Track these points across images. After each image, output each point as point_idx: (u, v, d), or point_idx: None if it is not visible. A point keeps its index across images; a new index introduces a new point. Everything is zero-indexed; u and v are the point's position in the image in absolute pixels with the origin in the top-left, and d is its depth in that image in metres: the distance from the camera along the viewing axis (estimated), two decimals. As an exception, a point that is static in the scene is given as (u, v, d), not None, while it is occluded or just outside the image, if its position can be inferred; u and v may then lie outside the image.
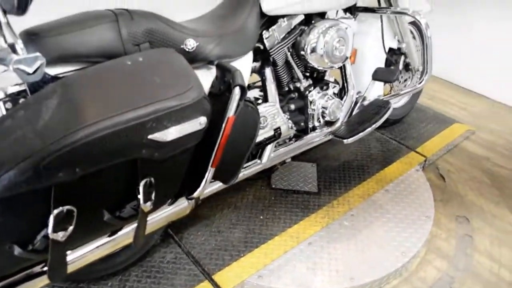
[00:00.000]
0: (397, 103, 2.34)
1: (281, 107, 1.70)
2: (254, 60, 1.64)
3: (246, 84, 1.47)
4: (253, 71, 1.64)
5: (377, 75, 1.85)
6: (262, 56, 1.61)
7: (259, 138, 1.44)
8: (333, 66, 1.69)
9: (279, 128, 1.49)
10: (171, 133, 0.99)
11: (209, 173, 1.20)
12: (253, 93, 1.70)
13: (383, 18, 2.03)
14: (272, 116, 1.46)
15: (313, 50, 1.60)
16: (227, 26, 1.40)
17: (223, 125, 1.16)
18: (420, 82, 1.96)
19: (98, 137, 0.87)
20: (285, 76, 1.70)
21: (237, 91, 1.16)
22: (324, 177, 2.00)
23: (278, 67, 1.66)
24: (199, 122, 1.04)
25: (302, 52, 1.61)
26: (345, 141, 1.71)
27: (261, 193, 1.89)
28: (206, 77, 1.30)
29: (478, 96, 3.01)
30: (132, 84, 1.00)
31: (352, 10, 1.86)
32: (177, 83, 1.04)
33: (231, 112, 1.16)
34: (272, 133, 1.47)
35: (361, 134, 1.73)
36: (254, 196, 1.86)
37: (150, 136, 0.95)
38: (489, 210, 1.97)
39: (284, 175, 1.98)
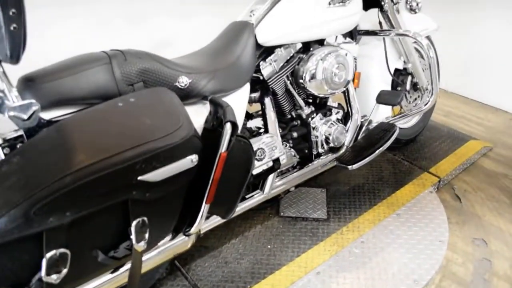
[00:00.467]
0: (407, 123, 2.30)
1: (284, 135, 1.71)
2: (254, 90, 1.66)
3: (243, 117, 1.48)
4: (254, 101, 1.65)
5: (381, 98, 1.83)
6: (262, 86, 1.63)
7: (257, 170, 1.44)
8: (333, 93, 1.69)
9: (278, 159, 1.48)
10: (161, 173, 1.00)
11: (204, 209, 1.21)
12: (255, 123, 1.70)
13: (386, 40, 2.02)
14: (270, 147, 1.46)
15: (312, 78, 1.61)
16: (221, 61, 1.43)
17: (216, 162, 1.17)
18: (426, 104, 1.92)
19: (87, 182, 0.89)
20: (286, 104, 1.71)
21: (228, 127, 1.17)
22: (334, 203, 1.97)
23: (278, 96, 1.66)
24: (191, 160, 1.05)
25: (301, 80, 1.61)
26: (349, 167, 1.68)
27: (269, 221, 1.87)
28: (200, 113, 1.31)
29: (495, 110, 2.93)
30: (122, 126, 1.03)
31: (353, 34, 1.86)
32: (167, 122, 1.06)
33: (223, 148, 1.17)
34: (271, 164, 1.47)
35: (365, 160, 1.70)
36: (262, 225, 1.85)
37: (140, 178, 0.96)
38: (508, 231, 1.89)
39: (293, 202, 1.96)
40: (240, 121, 1.47)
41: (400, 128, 2.23)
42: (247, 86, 1.50)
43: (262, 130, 1.65)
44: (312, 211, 1.90)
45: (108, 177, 0.91)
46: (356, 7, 1.63)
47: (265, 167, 1.46)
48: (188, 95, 1.32)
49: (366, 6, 1.97)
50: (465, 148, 2.41)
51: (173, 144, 1.01)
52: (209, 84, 1.35)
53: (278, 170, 1.61)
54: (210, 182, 1.17)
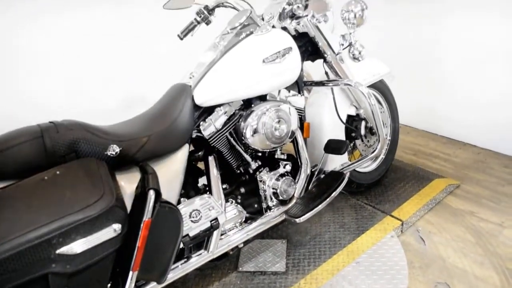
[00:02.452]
0: (367, 167, 2.31)
1: (232, 191, 1.72)
2: (198, 149, 1.69)
3: (181, 179, 1.50)
4: (198, 159, 1.68)
5: (328, 148, 1.86)
6: (205, 145, 1.65)
7: (194, 232, 1.44)
8: (277, 147, 1.71)
9: (215, 219, 1.49)
10: (80, 246, 1.01)
11: (132, 276, 1.20)
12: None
13: (335, 89, 2.06)
14: (206, 208, 1.47)
15: (253, 134, 1.63)
16: (156, 125, 1.46)
17: (140, 229, 1.17)
18: (374, 151, 1.94)
19: (1, 259, 0.90)
20: (233, 160, 1.73)
21: (151, 194, 1.19)
22: (294, 254, 1.95)
23: (223, 153, 1.69)
24: (113, 229, 1.07)
25: (243, 137, 1.64)
26: (297, 220, 1.68)
27: (227, 277, 1.85)
28: (132, 180, 1.33)
29: (463, 145, 2.95)
30: (43, 200, 1.06)
31: (299, 86, 1.91)
32: (88, 194, 1.08)
33: (146, 215, 1.18)
34: (208, 225, 1.47)
35: (313, 212, 1.70)
36: (220, 282, 1.83)
37: (58, 251, 0.97)
38: (473, 272, 1.86)
39: (253, 255, 1.95)
40: (177, 183, 1.48)
41: (360, 173, 2.25)
42: (186, 148, 1.53)
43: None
44: (271, 264, 1.88)
45: (24, 254, 0.94)
46: (293, 62, 1.68)
47: (201, 228, 1.46)
48: (120, 163, 1.35)
49: (313, 58, 2.03)
50: (429, 187, 2.41)
51: (92, 216, 1.03)
52: (142, 150, 1.38)
53: (224, 228, 1.61)
54: (135, 250, 1.17)
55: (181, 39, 2.07)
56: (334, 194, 1.77)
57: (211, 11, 2.02)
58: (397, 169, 2.61)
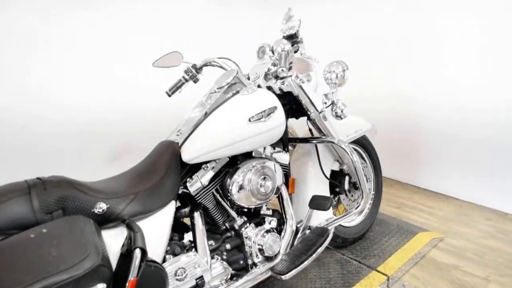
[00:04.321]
0: (352, 221, 2.34)
1: (218, 247, 1.72)
2: (184, 205, 1.70)
3: (167, 235, 1.50)
4: (185, 215, 1.69)
5: (313, 204, 1.89)
6: (191, 201, 1.67)
7: (179, 290, 1.43)
8: (261, 203, 1.74)
9: (201, 277, 1.48)
10: (65, 306, 1.00)
11: None
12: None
13: (319, 145, 2.13)
14: (192, 266, 1.46)
15: (238, 190, 1.66)
16: (143, 182, 1.48)
17: (126, 289, 1.17)
18: (357, 207, 1.97)
19: None
20: (219, 216, 1.74)
21: (137, 253, 1.19)
22: (280, 311, 1.93)
23: (209, 209, 1.70)
24: None
25: (228, 194, 1.66)
26: (283, 277, 1.68)
27: (212, 338, 1.80)
28: (118, 238, 1.34)
29: (446, 198, 3.01)
30: (28, 259, 1.05)
31: (284, 143, 1.96)
32: (73, 253, 1.08)
33: (132, 275, 1.18)
34: (193, 283, 1.47)
35: (299, 268, 1.70)
36: None
37: None
38: (459, 329, 1.85)
39: (238, 314, 1.91)
40: (163, 240, 1.49)
41: (345, 227, 2.27)
42: (172, 205, 1.54)
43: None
44: (257, 322, 1.85)
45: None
46: (278, 120, 1.74)
47: (187, 286, 1.45)
48: (106, 220, 1.35)
49: (297, 115, 2.11)
50: (414, 241, 2.43)
51: (77, 276, 1.03)
52: (128, 207, 1.39)
53: (209, 286, 1.59)
54: (120, 309, 1.16)
55: (169, 96, 2.14)
56: (320, 250, 1.78)
57: (199, 69, 2.11)
58: (382, 222, 2.64)
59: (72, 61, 2.74)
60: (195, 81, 2.13)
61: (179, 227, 1.71)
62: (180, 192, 1.66)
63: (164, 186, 1.52)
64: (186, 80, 2.11)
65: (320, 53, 2.22)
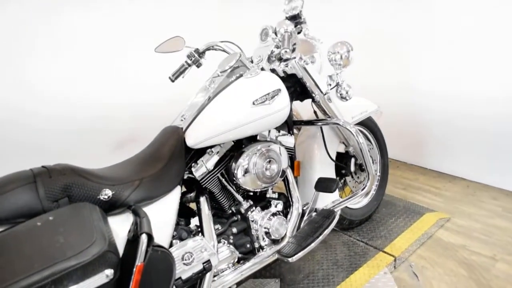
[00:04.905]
0: (358, 203, 2.33)
1: (224, 231, 1.72)
2: (190, 190, 1.70)
3: (173, 221, 1.50)
4: (190, 200, 1.69)
5: (318, 186, 1.88)
6: (197, 186, 1.67)
7: (187, 274, 1.44)
8: (268, 186, 1.74)
9: (208, 261, 1.49)
10: (73, 292, 1.01)
11: (123, 323, 1.19)
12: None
13: (324, 128, 2.11)
14: (199, 250, 1.46)
15: (244, 174, 1.66)
16: (148, 168, 1.48)
17: (133, 274, 1.17)
18: (363, 188, 1.96)
19: None
20: (225, 201, 1.74)
21: (143, 238, 1.19)
22: (287, 293, 1.94)
23: (215, 194, 1.70)
24: (106, 275, 1.07)
25: (234, 178, 1.66)
26: (290, 259, 1.68)
27: (220, 320, 1.82)
28: (125, 224, 1.34)
29: (453, 179, 2.99)
30: (35, 246, 1.06)
31: (289, 126, 1.95)
32: (80, 240, 1.09)
33: (139, 260, 1.18)
34: (200, 267, 1.47)
35: (305, 250, 1.70)
36: (213, 325, 1.80)
37: None
38: (466, 308, 1.86)
39: (245, 296, 1.93)
40: (169, 225, 1.49)
41: (351, 209, 2.27)
42: (177, 190, 1.54)
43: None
44: (264, 305, 1.86)
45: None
46: (282, 103, 1.72)
47: (194, 270, 1.46)
48: (112, 206, 1.36)
49: (301, 98, 2.09)
50: (421, 222, 2.42)
51: (84, 262, 1.03)
52: (134, 194, 1.39)
53: (216, 269, 1.60)
54: (128, 295, 1.17)
55: (172, 81, 2.12)
56: (326, 232, 1.78)
57: (201, 54, 2.08)
58: (388, 204, 2.63)
59: (70, 56, 2.71)
60: (198, 66, 2.11)
61: (185, 212, 1.72)
62: (185, 177, 1.65)
63: (169, 172, 1.52)
64: (189, 65, 2.09)
65: (324, 34, 2.18)
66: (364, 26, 3.30)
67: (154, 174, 1.47)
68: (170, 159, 1.54)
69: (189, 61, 2.09)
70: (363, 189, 1.96)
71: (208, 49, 2.11)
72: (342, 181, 2.32)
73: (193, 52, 2.08)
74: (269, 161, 1.71)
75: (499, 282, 1.95)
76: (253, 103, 1.65)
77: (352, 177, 2.30)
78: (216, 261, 1.50)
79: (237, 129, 1.63)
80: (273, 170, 1.72)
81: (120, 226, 1.34)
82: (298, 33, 1.85)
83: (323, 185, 1.88)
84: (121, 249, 1.26)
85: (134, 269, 1.18)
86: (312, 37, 2.07)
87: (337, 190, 2.12)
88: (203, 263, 1.47)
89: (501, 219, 2.45)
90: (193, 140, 1.59)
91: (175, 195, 1.53)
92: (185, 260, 1.43)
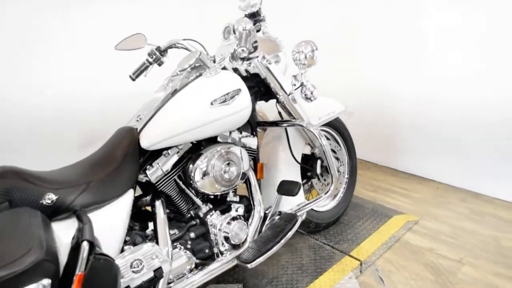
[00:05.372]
0: (325, 206, 2.29)
1: (182, 236, 1.66)
2: (146, 193, 1.63)
3: (125, 226, 1.43)
4: (146, 204, 1.62)
5: (281, 189, 1.83)
6: (153, 189, 1.60)
7: (136, 283, 1.36)
8: (226, 190, 1.68)
9: (159, 268, 1.42)
10: (5, 304, 0.94)
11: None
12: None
13: (289, 129, 2.06)
14: (149, 257, 1.40)
15: (201, 177, 1.60)
16: (97, 171, 1.41)
17: (73, 284, 1.10)
18: (326, 192, 1.92)
19: None
20: (183, 204, 1.68)
21: (84, 246, 1.13)
22: (250, 299, 1.88)
23: (172, 197, 1.64)
24: (42, 285, 1.00)
25: (190, 180, 1.60)
26: (249, 265, 1.62)
27: (179, 328, 1.75)
28: (68, 230, 1.26)
29: (422, 180, 2.98)
30: None
31: (252, 127, 1.89)
32: (15, 248, 1.02)
33: (79, 269, 1.11)
34: (151, 275, 1.40)
35: (265, 256, 1.65)
36: (171, 334, 1.73)
37: None
38: (431, 312, 1.83)
39: (207, 302, 1.86)
40: (119, 231, 1.42)
41: (318, 212, 2.23)
42: (130, 194, 1.47)
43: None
44: (225, 311, 1.80)
45: None
46: (243, 104, 1.67)
47: (144, 278, 1.39)
48: (56, 211, 1.28)
49: (266, 98, 2.03)
50: (388, 225, 2.40)
51: (18, 271, 0.96)
52: (80, 198, 1.32)
53: (172, 276, 1.54)
54: (67, 305, 1.10)
55: (133, 80, 2.05)
56: (287, 236, 1.73)
57: (163, 52, 2.02)
58: (357, 206, 2.60)
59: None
60: (159, 64, 2.04)
61: (143, 216, 1.65)
62: (143, 180, 1.58)
63: (120, 175, 1.45)
64: (150, 63, 2.03)
65: (290, 33, 2.14)
66: (333, 25, 3.27)
67: (103, 177, 1.40)
68: (123, 161, 1.48)
69: (150, 60, 2.02)
70: (326, 193, 1.92)
71: (170, 47, 2.04)
72: (309, 183, 2.28)
73: (154, 50, 2.01)
74: (228, 164, 1.66)
75: (465, 285, 1.93)
76: (212, 103, 1.59)
77: (319, 179, 2.25)
78: (168, 268, 1.44)
79: (194, 130, 1.57)
80: (232, 173, 1.67)
81: (64, 232, 1.27)
82: (257, 31, 1.80)
83: (286, 188, 1.83)
84: (66, 256, 1.19)
85: (74, 277, 1.11)
86: (269, 36, 2.02)
87: (302, 192, 2.08)
88: (154, 271, 1.40)
89: (469, 222, 2.44)
90: (147, 141, 1.52)
91: (127, 199, 1.46)
92: (134, 267, 1.36)
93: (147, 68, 2.03)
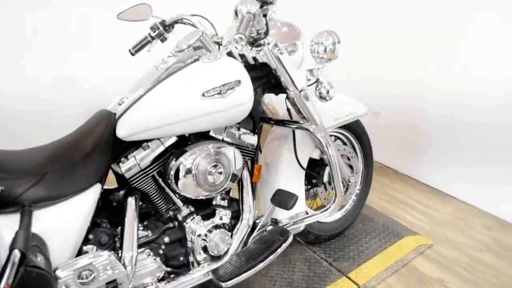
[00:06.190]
0: (328, 218, 2.06)
1: (156, 239, 1.48)
2: (120, 186, 1.45)
3: (84, 228, 1.25)
4: (117, 200, 1.44)
5: (274, 199, 1.61)
6: (127, 183, 1.41)
7: (83, 297, 1.20)
8: (208, 195, 1.47)
9: (114, 281, 1.24)
10: None
11: None
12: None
13: (296, 130, 1.82)
14: (103, 267, 1.22)
15: (181, 177, 1.39)
16: (58, 161, 1.23)
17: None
18: (325, 210, 1.68)
19: None
20: (161, 203, 1.49)
21: (15, 255, 0.95)
22: (228, 313, 1.69)
23: (149, 195, 1.45)
24: None
25: (169, 180, 1.40)
26: (223, 285, 1.43)
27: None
28: (12, 227, 1.09)
29: (444, 197, 2.69)
30: None
31: (254, 123, 1.67)
32: None
33: (5, 281, 0.94)
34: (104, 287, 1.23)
35: (242, 277, 1.45)
36: None
37: None
38: None
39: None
40: (77, 231, 1.24)
41: (321, 222, 2.01)
42: (95, 189, 1.28)
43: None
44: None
45: None
46: (241, 98, 1.43)
47: (97, 290, 1.22)
48: (3, 203, 1.11)
49: (276, 91, 1.79)
50: (398, 246, 2.15)
51: None
52: (31, 191, 1.14)
53: (137, 284, 1.36)
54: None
55: (133, 54, 1.85)
56: (271, 258, 1.52)
57: (168, 27, 1.80)
58: (366, 219, 2.35)
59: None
60: (162, 40, 1.84)
61: (115, 211, 1.47)
62: (121, 172, 1.39)
63: (86, 167, 1.27)
64: (152, 38, 1.82)
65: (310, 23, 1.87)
66: (363, 17, 2.95)
67: (64, 168, 1.22)
68: (92, 151, 1.29)
69: (153, 34, 1.81)
70: (324, 210, 1.69)
71: (176, 22, 1.82)
72: (314, 190, 2.05)
73: (158, 23, 1.79)
74: (215, 166, 1.44)
75: (472, 332, 1.69)
76: (203, 95, 1.37)
77: (326, 188, 2.02)
78: (126, 281, 1.26)
79: (179, 124, 1.36)
80: (218, 177, 1.46)
81: (9, 229, 1.10)
82: (264, 16, 1.54)
83: (280, 199, 1.61)
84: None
85: (0, 292, 0.94)
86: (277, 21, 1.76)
87: (303, 200, 1.86)
88: (107, 283, 1.22)
89: (490, 254, 2.16)
90: (124, 131, 1.32)
91: (91, 195, 1.28)
92: (83, 278, 1.19)
93: (148, 43, 1.83)
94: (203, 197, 1.48)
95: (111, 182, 1.47)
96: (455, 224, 2.41)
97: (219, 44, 1.69)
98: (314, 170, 1.96)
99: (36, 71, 2.77)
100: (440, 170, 2.72)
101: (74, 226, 1.23)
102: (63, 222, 1.21)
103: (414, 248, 2.15)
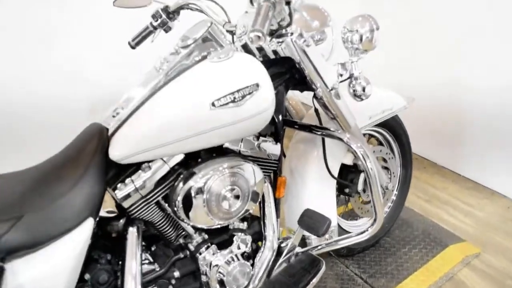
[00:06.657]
0: (360, 227, 1.82)
1: (164, 274, 1.26)
2: (120, 215, 1.23)
3: (77, 272, 1.04)
4: (117, 230, 1.22)
5: (302, 222, 1.36)
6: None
7: None
8: (223, 224, 1.24)
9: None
10: None
11: None
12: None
13: (326, 132, 1.55)
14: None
15: (190, 205, 1.15)
16: (36, 199, 1.00)
17: None
18: (362, 233, 1.43)
19: None
20: (169, 231, 1.26)
21: None
22: None
23: (154, 223, 1.22)
24: None
25: (175, 208, 1.16)
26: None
27: None
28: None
29: (491, 194, 2.39)
30: None
31: (277, 129, 1.40)
32: None
33: None
34: None
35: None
36: None
37: None
38: None
39: None
40: (66, 276, 1.02)
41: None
42: (87, 225, 1.06)
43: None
44: None
45: None
46: (260, 106, 1.16)
47: None
48: None
49: (301, 88, 1.51)
50: (442, 258, 1.89)
51: None
52: (4, 240, 0.92)
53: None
54: None
55: (133, 47, 1.60)
56: (300, 294, 1.29)
57: (172, 14, 1.54)
58: (404, 223, 2.09)
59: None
60: (166, 30, 1.58)
61: (115, 241, 1.25)
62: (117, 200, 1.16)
63: (74, 201, 1.03)
64: (155, 28, 1.56)
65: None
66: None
67: (46, 206, 0.99)
68: (80, 179, 1.05)
69: (154, 23, 1.55)
70: (361, 233, 1.43)
71: (181, 7, 1.55)
72: (346, 198, 1.79)
73: (160, 11, 1.53)
74: (232, 189, 1.20)
75: None
76: (213, 104, 1.11)
77: (360, 196, 1.75)
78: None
79: (183, 141, 1.11)
80: (235, 203, 1.21)
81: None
82: (287, 3, 1.24)
83: (309, 222, 1.35)
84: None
85: None
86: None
87: (335, 211, 1.62)
88: None
89: (548, 264, 1.89)
90: (118, 152, 1.08)
91: (82, 233, 1.05)
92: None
93: (150, 34, 1.58)
94: (214, 227, 1.24)
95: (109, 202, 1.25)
96: (503, 227, 2.13)
97: (232, 33, 1.42)
98: (347, 178, 1.70)
99: (43, 66, 2.57)
100: (485, 164, 2.42)
101: (63, 274, 1.02)
102: (47, 272, 0.99)
103: (461, 260, 1.89)
